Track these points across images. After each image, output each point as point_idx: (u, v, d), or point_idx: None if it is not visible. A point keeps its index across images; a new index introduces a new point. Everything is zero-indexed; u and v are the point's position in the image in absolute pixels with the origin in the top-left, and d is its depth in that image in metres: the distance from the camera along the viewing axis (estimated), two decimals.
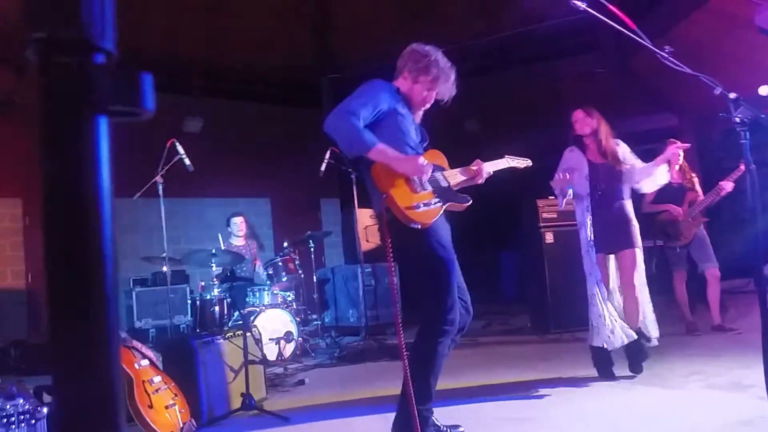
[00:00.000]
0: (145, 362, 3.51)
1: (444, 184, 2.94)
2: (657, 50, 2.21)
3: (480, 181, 3.15)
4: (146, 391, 3.35)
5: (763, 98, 3.60)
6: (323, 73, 10.35)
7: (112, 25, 0.64)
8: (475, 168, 3.12)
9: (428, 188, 2.83)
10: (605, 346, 4.10)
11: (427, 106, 3.06)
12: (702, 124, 8.97)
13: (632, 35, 2.20)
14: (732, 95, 2.35)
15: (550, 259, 6.35)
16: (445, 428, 2.91)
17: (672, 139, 5.87)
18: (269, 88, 10.04)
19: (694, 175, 5.83)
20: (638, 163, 4.24)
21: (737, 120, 2.37)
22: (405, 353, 2.71)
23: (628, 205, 4.24)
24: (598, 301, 4.16)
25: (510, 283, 10.44)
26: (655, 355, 4.35)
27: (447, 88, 3.00)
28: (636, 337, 4.06)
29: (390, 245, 2.72)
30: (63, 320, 0.59)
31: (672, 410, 3.33)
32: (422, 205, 2.75)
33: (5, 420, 2.63)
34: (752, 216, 2.48)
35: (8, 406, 2.66)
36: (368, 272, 7.33)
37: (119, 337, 3.48)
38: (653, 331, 4.21)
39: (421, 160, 2.73)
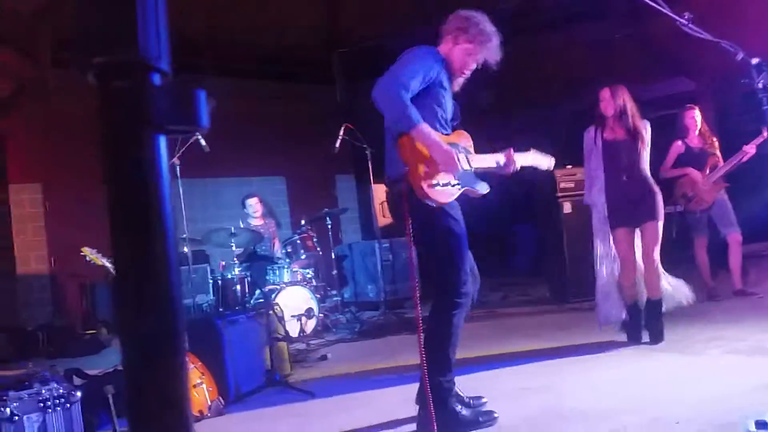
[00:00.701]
0: None
1: (466, 167, 2.91)
2: (677, 17, 2.16)
3: (508, 173, 3.11)
4: None
5: None
6: (334, 48, 10.27)
7: (167, 45, 0.65)
8: (505, 158, 3.08)
9: (449, 173, 2.82)
10: (604, 320, 4.39)
11: (467, 73, 3.02)
12: (720, 88, 8.80)
13: (652, 2, 2.16)
14: (754, 60, 2.30)
15: (568, 228, 6.33)
16: (468, 399, 2.95)
17: (689, 104, 5.81)
18: (280, 65, 10.00)
19: (715, 139, 5.74)
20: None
21: (759, 86, 2.32)
22: (422, 327, 2.76)
23: (651, 178, 4.29)
24: (604, 274, 4.42)
25: (525, 256, 10.42)
26: (676, 321, 4.40)
27: (489, 53, 2.95)
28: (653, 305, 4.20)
29: (407, 214, 2.73)
30: (134, 317, 0.63)
31: (694, 377, 3.33)
32: (441, 185, 2.76)
33: (42, 404, 2.70)
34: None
35: (43, 391, 2.73)
36: (385, 247, 7.37)
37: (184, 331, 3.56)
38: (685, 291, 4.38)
39: (456, 157, 2.73)
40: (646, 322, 4.23)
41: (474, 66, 3.00)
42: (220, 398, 3.57)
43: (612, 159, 4.31)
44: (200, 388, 3.48)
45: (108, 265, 3.69)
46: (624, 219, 4.26)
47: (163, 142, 0.65)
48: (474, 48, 2.93)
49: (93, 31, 0.63)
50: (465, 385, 3.07)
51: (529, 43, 9.42)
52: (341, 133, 6.46)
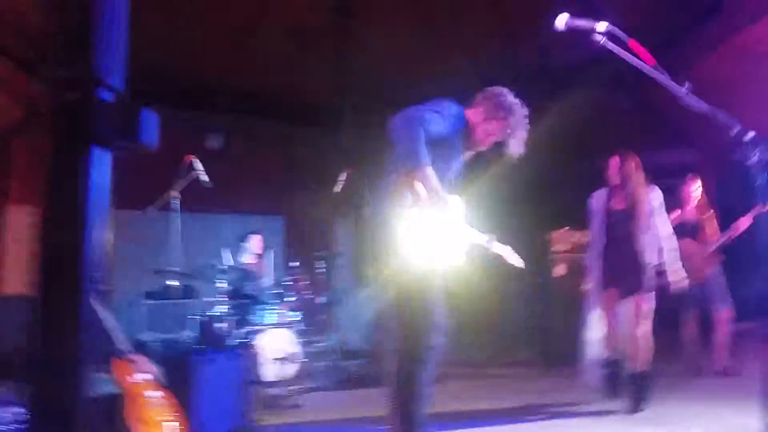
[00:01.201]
0: (143, 376, 3.50)
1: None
2: (675, 86, 2.19)
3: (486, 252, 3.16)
4: (141, 406, 3.33)
5: None
6: (345, 96, 10.43)
7: (122, 62, 0.66)
8: (486, 242, 3.12)
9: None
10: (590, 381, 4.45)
11: (484, 147, 3.04)
12: (722, 160, 8.85)
13: (651, 72, 2.18)
14: (750, 135, 2.32)
15: (560, 291, 6.28)
16: None
17: (692, 175, 5.83)
18: (291, 107, 10.14)
19: (711, 212, 5.74)
20: (660, 225, 4.34)
21: (754, 161, 2.33)
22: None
23: (647, 251, 4.28)
24: (596, 339, 4.48)
25: (519, 316, 10.27)
26: (657, 393, 4.35)
27: (517, 144, 3.00)
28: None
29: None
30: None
31: None
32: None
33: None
34: (763, 258, 2.43)
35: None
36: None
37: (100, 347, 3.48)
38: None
39: (447, 209, 2.73)
40: (630, 391, 4.20)
41: (490, 143, 3.01)
42: None
43: (611, 227, 4.38)
44: (168, 426, 3.38)
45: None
46: (615, 282, 4.31)
47: (104, 155, 0.64)
48: (498, 129, 2.97)
49: (50, 46, 0.64)
50: None
51: (538, 102, 9.55)
52: (343, 178, 6.49)
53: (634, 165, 4.35)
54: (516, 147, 2.99)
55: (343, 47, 10.34)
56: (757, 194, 2.43)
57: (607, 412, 4.14)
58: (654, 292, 4.25)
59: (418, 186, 2.67)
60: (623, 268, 4.27)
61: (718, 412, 4.03)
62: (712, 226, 5.65)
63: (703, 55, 7.47)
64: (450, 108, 2.84)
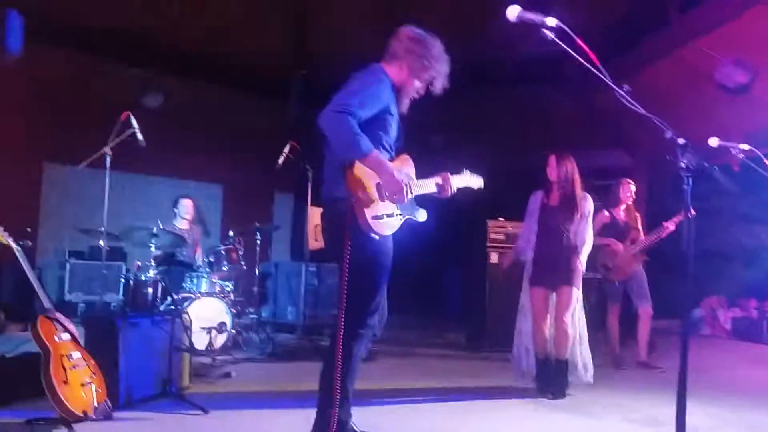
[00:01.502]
0: (66, 336, 3.38)
1: (408, 196, 2.84)
2: (615, 87, 2.25)
3: (446, 196, 3.08)
4: (63, 366, 3.22)
5: (713, 149, 3.73)
6: (294, 67, 10.25)
7: None
8: (442, 182, 3.05)
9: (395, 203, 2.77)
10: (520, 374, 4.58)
11: (417, 95, 2.96)
12: (655, 165, 9.24)
13: (595, 70, 2.24)
14: (681, 140, 2.41)
15: (492, 279, 6.44)
16: None
17: (625, 179, 6.05)
18: (238, 73, 9.88)
19: (638, 214, 6.01)
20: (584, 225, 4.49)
21: (682, 165, 2.42)
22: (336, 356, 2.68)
23: (576, 248, 4.46)
24: (527, 329, 4.59)
25: (452, 300, 10.51)
26: (579, 383, 4.54)
27: (439, 79, 2.92)
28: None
29: (345, 234, 2.64)
30: None
31: None
32: (385, 216, 2.72)
33: None
34: (685, 261, 2.54)
35: None
36: (312, 271, 7.26)
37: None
38: (586, 374, 4.54)
39: (406, 188, 2.69)
40: (551, 379, 4.38)
41: (422, 89, 2.94)
42: (108, 401, 3.38)
43: (546, 222, 4.52)
44: (88, 388, 3.28)
45: (13, 244, 3.48)
46: (542, 280, 4.47)
47: None
48: (426, 75, 2.88)
49: None
50: (371, 420, 3.02)
51: (483, 96, 9.69)
52: (286, 150, 6.39)
53: (572, 164, 4.51)
54: (441, 84, 2.92)
55: (297, 19, 10.17)
56: (683, 199, 2.54)
57: (531, 397, 4.29)
58: (577, 287, 4.42)
59: (363, 176, 2.63)
60: (552, 262, 4.43)
61: (636, 403, 4.23)
62: (637, 227, 5.90)
63: (645, 65, 7.74)
64: (372, 79, 2.75)
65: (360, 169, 2.62)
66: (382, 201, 2.69)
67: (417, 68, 2.85)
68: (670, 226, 5.60)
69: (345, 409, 2.77)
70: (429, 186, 3.02)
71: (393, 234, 2.87)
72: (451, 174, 3.14)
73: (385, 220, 2.72)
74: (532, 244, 4.56)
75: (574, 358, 4.50)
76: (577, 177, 4.50)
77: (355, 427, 2.87)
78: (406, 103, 2.96)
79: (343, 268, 2.66)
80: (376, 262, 2.78)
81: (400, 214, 2.81)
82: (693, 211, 2.44)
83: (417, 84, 2.90)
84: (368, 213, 2.64)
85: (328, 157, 2.82)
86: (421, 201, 3.06)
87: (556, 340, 4.42)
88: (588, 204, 4.53)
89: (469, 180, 3.37)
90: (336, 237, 2.72)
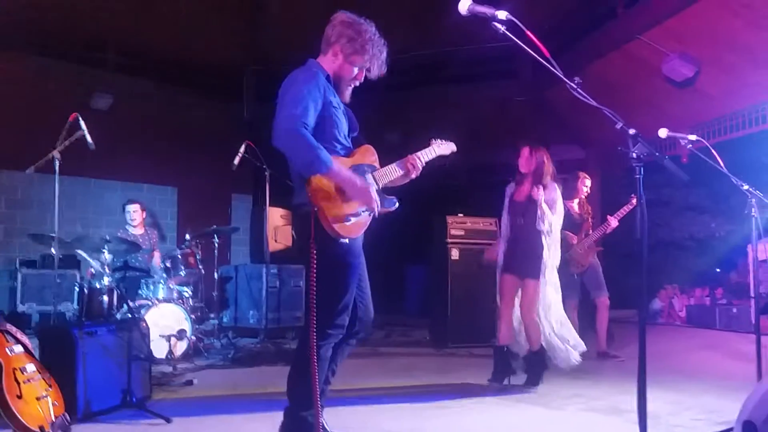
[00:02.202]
0: (18, 348, 3.25)
1: (375, 187, 2.79)
2: (566, 79, 2.28)
3: (415, 175, 3.00)
4: (16, 380, 3.10)
5: (662, 140, 3.84)
6: (248, 65, 10.13)
7: None
8: (409, 164, 2.98)
9: (367, 208, 2.72)
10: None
11: (357, 83, 2.89)
12: (606, 159, 9.46)
13: (545, 63, 2.26)
14: (631, 131, 2.45)
15: (453, 274, 6.48)
16: None
17: (581, 172, 6.18)
18: (189, 73, 9.70)
19: (589, 207, 6.15)
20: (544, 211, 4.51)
21: (633, 155, 2.47)
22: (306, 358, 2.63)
23: (543, 240, 4.51)
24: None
25: (415, 297, 10.56)
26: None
27: (379, 66, 2.84)
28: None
29: (310, 243, 2.60)
30: None
31: (552, 430, 3.48)
32: (352, 218, 2.67)
33: None
34: (639, 251, 2.57)
35: None
36: (273, 273, 7.17)
37: None
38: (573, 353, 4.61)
39: (374, 194, 2.66)
40: (526, 369, 4.52)
41: (361, 76, 2.87)
42: (66, 415, 3.26)
43: (514, 215, 4.62)
44: (44, 401, 3.16)
45: None
46: (512, 268, 4.55)
47: None
48: (362, 60, 2.79)
49: None
50: (337, 421, 3.00)
51: (440, 92, 9.77)
52: (242, 150, 6.29)
53: (543, 154, 4.55)
54: (377, 69, 2.84)
55: (249, 15, 10.05)
56: (636, 189, 2.59)
57: (493, 391, 4.35)
58: (538, 279, 4.48)
59: (326, 184, 2.59)
60: (519, 255, 4.51)
61: (598, 392, 4.32)
62: (588, 221, 6.03)
63: (595, 58, 7.91)
64: (303, 78, 2.68)
65: (320, 182, 2.58)
66: (345, 202, 2.64)
67: (350, 52, 2.76)
68: (613, 222, 5.77)
69: (311, 411, 2.70)
70: (394, 172, 2.94)
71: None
72: (419, 149, 3.08)
73: (353, 220, 2.67)
74: (504, 239, 4.63)
75: (556, 343, 4.58)
76: (548, 168, 4.53)
77: (326, 427, 2.85)
78: (347, 93, 2.90)
79: (309, 274, 2.62)
80: (344, 263, 2.74)
81: (366, 211, 2.74)
82: (634, 200, 2.47)
83: (354, 70, 2.82)
84: (333, 219, 2.60)
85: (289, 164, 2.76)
86: (391, 190, 3.00)
87: (526, 333, 4.51)
88: (553, 193, 4.54)
89: (439, 149, 3.23)
90: (302, 242, 2.68)
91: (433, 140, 3.23)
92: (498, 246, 4.79)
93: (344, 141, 2.82)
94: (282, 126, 2.53)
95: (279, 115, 2.57)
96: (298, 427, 2.68)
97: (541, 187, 4.50)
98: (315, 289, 2.62)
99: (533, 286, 4.44)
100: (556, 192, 4.56)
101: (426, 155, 3.10)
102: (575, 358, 4.60)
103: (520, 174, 4.61)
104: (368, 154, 2.93)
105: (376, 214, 2.74)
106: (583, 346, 4.65)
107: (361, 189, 2.63)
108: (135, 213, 6.39)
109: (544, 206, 4.47)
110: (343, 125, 2.83)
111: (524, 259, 4.48)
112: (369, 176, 2.82)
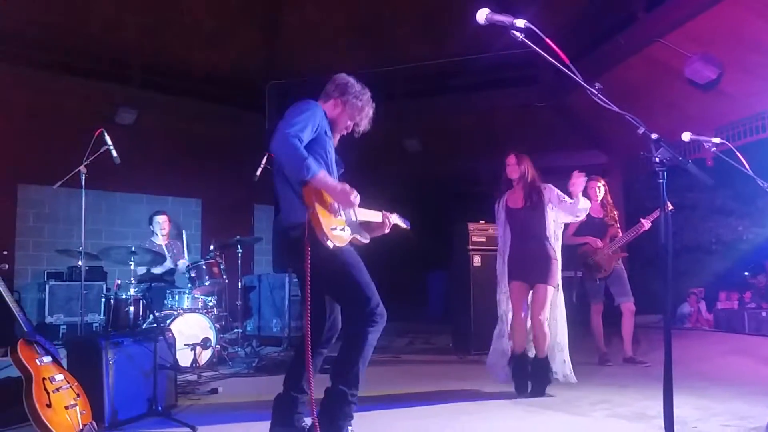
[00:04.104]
0: (47, 359, 3.33)
1: (353, 218, 3.15)
2: (587, 86, 2.27)
3: (386, 231, 3.40)
4: (46, 389, 3.17)
5: (686, 144, 3.79)
6: (269, 77, 10.24)
7: None
8: (385, 217, 3.37)
9: (343, 217, 3.06)
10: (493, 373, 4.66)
11: (345, 132, 3.30)
12: (629, 163, 9.37)
13: (565, 69, 2.26)
14: (654, 136, 2.44)
15: (476, 281, 6.46)
16: None
17: (593, 176, 6.12)
18: (211, 87, 9.84)
19: (616, 212, 6.07)
20: (566, 203, 4.51)
21: (656, 160, 2.45)
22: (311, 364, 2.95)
23: (550, 244, 4.53)
24: (503, 320, 4.71)
25: (437, 304, 10.53)
26: (567, 382, 4.60)
27: (367, 123, 3.28)
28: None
29: (308, 256, 2.87)
30: None
31: None
32: (338, 229, 2.97)
33: None
34: (664, 255, 2.55)
35: None
36: (296, 282, 7.20)
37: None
38: (566, 370, 4.63)
39: (353, 196, 2.93)
40: (531, 376, 4.43)
41: (350, 128, 3.28)
42: (94, 423, 3.32)
43: (513, 223, 4.62)
44: (73, 410, 3.23)
45: None
46: (521, 275, 4.52)
47: None
48: (353, 115, 3.23)
49: None
50: (359, 426, 3.02)
51: (460, 99, 9.77)
52: (263, 162, 6.36)
53: (528, 161, 4.59)
54: (365, 125, 3.28)
55: (271, 29, 10.17)
56: (659, 194, 2.57)
57: (518, 399, 4.30)
58: (553, 285, 4.47)
59: (323, 192, 2.90)
60: (527, 260, 4.49)
61: (624, 398, 4.25)
62: (615, 225, 5.96)
63: (615, 63, 7.85)
64: (308, 105, 3.05)
65: (318, 188, 2.90)
66: (334, 215, 2.97)
67: (350, 108, 3.21)
68: (647, 223, 5.68)
69: (354, 391, 2.99)
70: (375, 215, 3.32)
71: (375, 240, 3.16)
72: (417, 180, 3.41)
73: (338, 232, 2.97)
74: (503, 248, 4.66)
75: (554, 360, 4.57)
76: (534, 172, 4.59)
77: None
78: (336, 138, 3.28)
79: (305, 279, 2.88)
80: (345, 263, 2.99)
81: (347, 230, 3.04)
82: (671, 206, 2.45)
83: (348, 122, 3.25)
84: (326, 224, 2.87)
85: (279, 187, 3.08)
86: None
87: (534, 339, 4.46)
88: (552, 192, 4.56)
89: (399, 221, 3.58)
90: (295, 257, 2.95)
91: (396, 214, 3.55)
92: (499, 260, 4.75)
93: (331, 170, 3.12)
94: (279, 134, 2.87)
95: (279, 127, 2.92)
96: (339, 403, 2.95)
97: (549, 187, 4.56)
98: (330, 290, 3.01)
99: (543, 291, 4.42)
100: (554, 190, 4.57)
101: (395, 218, 3.49)
102: (572, 378, 4.61)
103: (509, 181, 4.66)
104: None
105: (354, 213, 3.10)
106: (571, 370, 4.66)
107: (342, 191, 2.92)
108: (164, 223, 6.49)
109: (550, 212, 4.54)
110: (332, 158, 3.15)
111: (534, 264, 4.46)
112: (350, 210, 3.13)
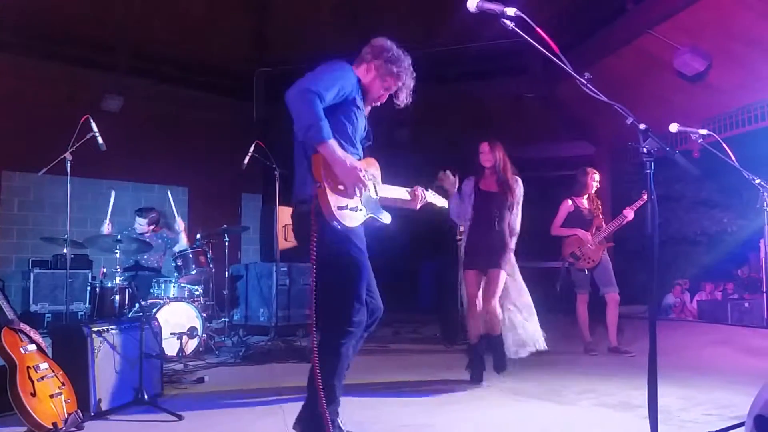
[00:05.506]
0: (32, 347, 3.30)
1: (373, 195, 2.86)
2: (576, 75, 2.27)
3: (416, 207, 3.14)
4: (30, 378, 3.14)
5: (673, 135, 3.81)
6: (257, 64, 10.15)
7: None
8: (412, 193, 3.12)
9: (358, 194, 2.72)
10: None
11: (379, 103, 3.00)
12: (616, 155, 9.41)
13: (555, 59, 2.26)
14: (642, 126, 2.44)
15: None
16: None
17: (589, 168, 6.16)
18: (199, 74, 9.74)
19: (600, 202, 6.13)
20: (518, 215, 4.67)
21: (644, 150, 2.46)
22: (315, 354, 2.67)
23: (507, 233, 4.61)
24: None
25: (427, 293, 10.56)
26: (553, 371, 4.67)
27: (406, 95, 2.98)
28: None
29: (314, 235, 2.61)
30: None
31: (563, 425, 3.46)
32: (349, 208, 2.68)
33: None
34: (650, 246, 2.56)
35: None
36: (283, 271, 7.21)
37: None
38: (540, 340, 4.74)
39: (363, 174, 2.66)
40: (491, 355, 4.53)
41: (384, 98, 2.98)
42: (79, 411, 3.30)
43: (482, 207, 4.63)
44: (58, 399, 3.20)
45: None
46: (475, 263, 4.59)
47: None
48: (393, 84, 2.91)
49: None
50: (350, 416, 3.01)
51: (448, 89, 9.74)
52: (251, 150, 6.33)
53: (502, 150, 4.64)
54: (405, 97, 2.97)
55: (259, 16, 10.07)
56: (646, 184, 2.58)
57: (506, 388, 4.33)
58: (506, 270, 4.55)
59: (327, 162, 2.60)
60: (485, 246, 4.54)
61: (609, 387, 4.30)
62: (599, 216, 6.01)
63: (605, 54, 7.86)
64: (340, 65, 2.77)
65: (320, 160, 2.60)
66: (347, 193, 2.67)
67: (384, 73, 2.89)
68: (630, 213, 5.74)
69: (333, 407, 2.75)
70: (400, 192, 3.07)
71: (366, 230, 2.87)
72: (413, 174, 3.25)
73: (348, 212, 2.68)
74: (466, 216, 4.66)
75: (521, 335, 4.67)
76: (508, 162, 4.64)
77: (341, 425, 2.85)
78: (367, 109, 2.98)
79: (312, 262, 2.63)
80: (350, 258, 2.73)
81: (362, 210, 2.76)
82: (653, 196, 2.45)
83: (381, 90, 2.93)
84: (333, 201, 2.60)
85: (297, 157, 2.80)
86: (388, 208, 3.04)
87: (488, 321, 4.52)
88: (520, 188, 4.65)
89: (435, 198, 3.45)
90: (303, 234, 2.70)
91: (431, 190, 3.41)
92: (464, 240, 4.77)
93: (354, 142, 2.84)
94: (299, 86, 2.56)
95: (302, 79, 2.60)
96: (317, 423, 2.67)
97: (519, 181, 4.63)
98: (321, 278, 2.67)
99: (497, 276, 4.48)
100: (520, 185, 4.67)
101: (429, 196, 3.30)
102: (542, 346, 4.70)
103: (482, 168, 4.69)
104: (373, 166, 2.97)
105: (360, 195, 2.70)
106: (542, 339, 4.72)
107: (350, 169, 2.61)
108: (144, 226, 6.35)
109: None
110: (360, 129, 2.88)
111: (491, 251, 4.51)
112: (370, 183, 2.84)
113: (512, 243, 4.62)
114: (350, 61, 2.92)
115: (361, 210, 2.75)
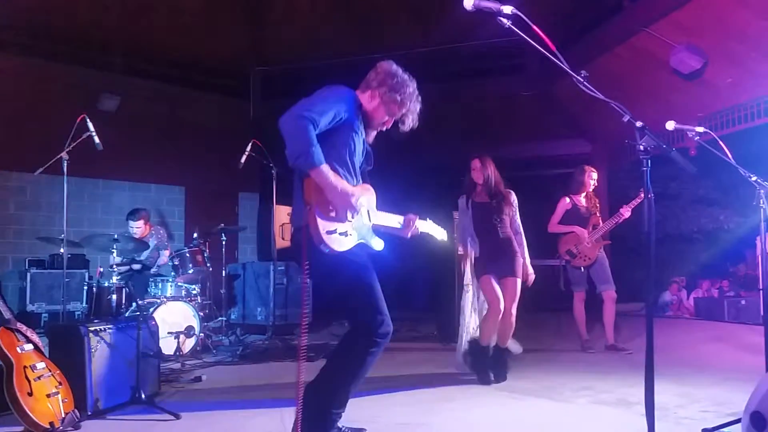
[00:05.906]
0: (28, 347, 3.30)
1: (366, 222, 2.85)
2: (573, 73, 2.27)
3: (406, 235, 3.10)
4: (27, 378, 3.14)
5: (670, 133, 3.82)
6: (254, 64, 10.14)
7: None
8: (405, 221, 3.08)
9: (351, 219, 2.72)
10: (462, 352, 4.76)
11: (385, 128, 2.97)
12: (613, 153, 9.42)
13: (552, 57, 2.25)
14: (638, 124, 2.44)
15: (461, 270, 6.46)
16: (346, 430, 2.89)
17: (587, 166, 6.16)
18: (196, 73, 9.74)
19: (597, 200, 6.14)
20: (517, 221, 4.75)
21: (641, 148, 2.46)
22: (303, 355, 2.66)
23: (512, 239, 4.66)
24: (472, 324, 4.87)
25: (422, 292, 10.54)
26: (550, 369, 4.70)
27: (412, 120, 2.94)
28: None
29: (306, 259, 2.61)
30: None
31: (560, 423, 3.47)
32: (338, 234, 2.66)
33: None
34: (647, 244, 2.56)
35: None
36: (281, 270, 7.21)
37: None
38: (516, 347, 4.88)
39: (354, 199, 2.65)
40: (493, 364, 4.53)
41: (389, 124, 2.96)
42: (76, 411, 3.30)
43: (481, 218, 4.68)
44: (54, 399, 3.20)
45: None
46: (489, 269, 4.59)
47: None
48: (397, 111, 2.88)
49: None
50: (347, 414, 3.01)
51: (445, 88, 9.74)
52: (248, 149, 6.33)
53: (492, 164, 4.70)
54: (411, 122, 2.93)
55: (256, 15, 10.05)
56: (643, 182, 2.58)
57: (502, 385, 4.35)
58: (521, 278, 4.59)
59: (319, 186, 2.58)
60: (495, 253, 4.58)
61: (606, 384, 4.30)
62: (596, 214, 6.02)
63: (602, 52, 7.86)
64: (338, 91, 2.75)
65: (312, 184, 2.60)
66: (339, 218, 2.66)
67: (388, 101, 2.86)
68: (626, 212, 5.75)
69: (339, 410, 2.79)
70: (391, 220, 3.02)
71: None
72: (419, 218, 3.16)
73: (337, 236, 2.66)
74: (474, 239, 4.68)
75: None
76: (498, 176, 4.70)
77: (340, 428, 2.86)
78: (372, 134, 2.97)
79: (303, 271, 2.64)
80: (349, 277, 2.71)
81: (353, 236, 2.74)
82: (650, 194, 2.46)
83: (385, 117, 2.91)
84: (323, 226, 2.59)
85: (295, 183, 2.76)
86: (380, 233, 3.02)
87: (501, 330, 4.57)
88: (514, 198, 4.73)
89: (433, 228, 3.39)
90: (298, 259, 2.68)
91: (429, 219, 3.37)
92: (464, 253, 4.78)
93: (351, 168, 2.81)
94: (293, 112, 2.55)
95: (297, 104, 2.59)
96: (322, 420, 2.71)
97: (511, 192, 4.71)
98: (333, 298, 2.76)
99: (513, 284, 4.54)
100: (513, 195, 4.75)
101: (424, 226, 3.24)
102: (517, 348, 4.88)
103: (474, 184, 4.74)
104: (367, 193, 2.91)
105: (368, 216, 2.78)
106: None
107: (341, 194, 2.60)
108: (137, 228, 6.30)
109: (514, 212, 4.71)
110: (358, 154, 2.86)
111: (502, 258, 4.57)
112: (364, 210, 2.83)
113: (524, 250, 4.67)
114: (355, 86, 2.90)
115: (351, 235, 2.73)
